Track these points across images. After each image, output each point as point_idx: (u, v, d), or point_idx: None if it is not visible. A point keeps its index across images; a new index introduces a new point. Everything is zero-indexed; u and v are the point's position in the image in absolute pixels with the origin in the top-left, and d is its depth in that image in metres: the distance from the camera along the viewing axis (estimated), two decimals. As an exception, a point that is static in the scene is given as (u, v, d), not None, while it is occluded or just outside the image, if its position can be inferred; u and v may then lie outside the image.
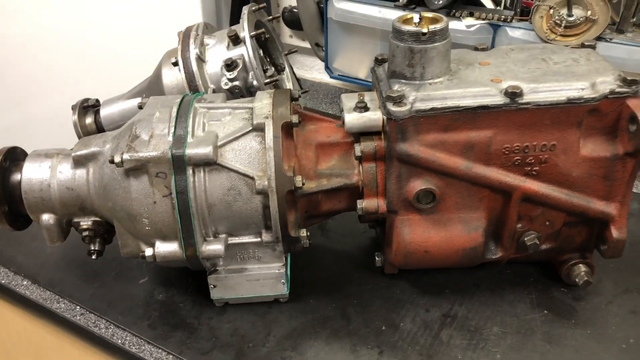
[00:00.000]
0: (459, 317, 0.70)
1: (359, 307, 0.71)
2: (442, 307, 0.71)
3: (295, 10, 1.19)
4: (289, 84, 0.97)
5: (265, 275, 0.69)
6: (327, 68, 1.16)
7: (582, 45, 0.70)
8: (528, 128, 0.61)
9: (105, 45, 1.34)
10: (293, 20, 1.20)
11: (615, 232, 0.66)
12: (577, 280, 0.71)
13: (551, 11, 0.89)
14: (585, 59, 0.66)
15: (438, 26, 0.61)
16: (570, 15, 0.88)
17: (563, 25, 0.88)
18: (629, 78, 0.61)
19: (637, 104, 0.60)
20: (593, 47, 0.69)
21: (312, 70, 1.30)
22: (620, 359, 0.65)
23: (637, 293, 0.73)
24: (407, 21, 0.63)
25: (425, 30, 0.61)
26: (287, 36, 1.31)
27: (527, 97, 0.60)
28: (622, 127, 0.62)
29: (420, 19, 0.63)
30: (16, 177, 0.69)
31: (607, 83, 0.61)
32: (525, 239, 0.67)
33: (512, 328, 0.68)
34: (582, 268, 0.71)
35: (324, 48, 1.15)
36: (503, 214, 0.66)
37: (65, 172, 0.68)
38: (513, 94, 0.60)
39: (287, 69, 0.98)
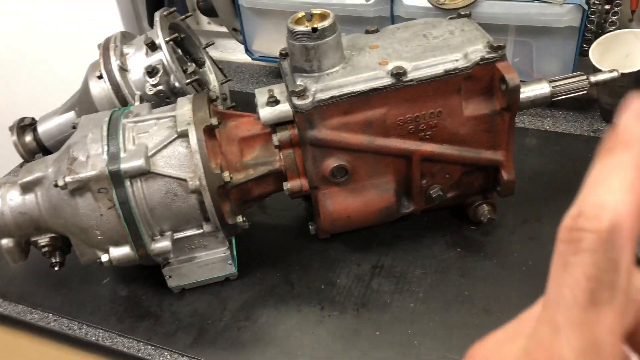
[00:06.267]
0: (385, 267, 0.81)
1: (300, 272, 0.81)
2: (371, 260, 0.82)
3: (208, -2, 1.24)
4: (211, 76, 1.04)
5: (213, 260, 0.78)
6: (248, 51, 1.22)
7: (459, 15, 0.79)
8: (415, 101, 0.71)
9: (22, 58, 1.35)
10: (208, 9, 1.25)
11: (505, 175, 0.77)
12: (482, 218, 0.83)
13: (437, -22, 0.97)
14: (460, 29, 0.75)
15: (326, 23, 0.69)
16: (454, -21, 0.96)
17: (449, -11, 0.97)
18: (495, 44, 0.70)
19: (505, 66, 0.70)
20: (468, 15, 0.79)
21: (235, 52, 1.36)
22: (521, 280, 0.77)
23: (534, 221, 0.85)
24: (299, 21, 0.71)
25: (315, 26, 0.69)
26: (206, 23, 1.35)
27: (411, 75, 0.69)
28: (496, 87, 0.72)
29: (310, 16, 0.71)
30: (-31, 209, 0.75)
31: (477, 51, 0.71)
32: (431, 192, 0.78)
33: (431, 269, 0.80)
34: (486, 207, 0.83)
35: (241, 32, 1.21)
36: (408, 175, 0.76)
37: (15, 198, 0.74)
38: (398, 75, 0.69)
39: (207, 61, 1.04)
